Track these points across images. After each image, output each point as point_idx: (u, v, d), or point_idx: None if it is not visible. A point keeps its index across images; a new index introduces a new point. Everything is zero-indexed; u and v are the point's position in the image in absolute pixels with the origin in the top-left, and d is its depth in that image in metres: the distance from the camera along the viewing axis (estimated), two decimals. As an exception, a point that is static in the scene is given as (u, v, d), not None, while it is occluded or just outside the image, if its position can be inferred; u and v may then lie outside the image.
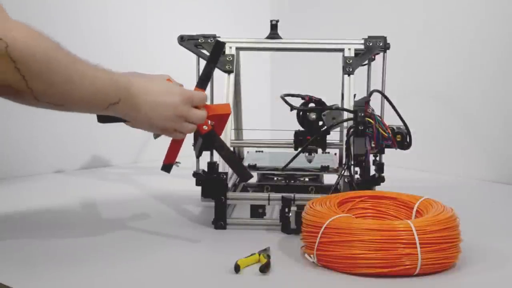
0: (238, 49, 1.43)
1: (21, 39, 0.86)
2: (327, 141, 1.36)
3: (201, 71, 1.43)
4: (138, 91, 1.02)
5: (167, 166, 1.19)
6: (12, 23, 0.87)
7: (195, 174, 1.45)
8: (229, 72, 1.38)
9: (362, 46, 1.40)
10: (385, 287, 0.97)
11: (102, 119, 1.09)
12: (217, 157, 1.37)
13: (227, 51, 1.40)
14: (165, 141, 2.20)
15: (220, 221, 1.28)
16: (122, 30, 2.05)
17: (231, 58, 1.39)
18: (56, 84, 0.91)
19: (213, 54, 1.19)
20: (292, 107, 1.32)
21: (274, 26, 1.44)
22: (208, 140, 1.19)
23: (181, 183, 1.66)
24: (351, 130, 1.25)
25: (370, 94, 1.33)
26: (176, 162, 1.20)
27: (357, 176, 1.30)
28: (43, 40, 0.90)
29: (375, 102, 1.32)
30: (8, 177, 1.78)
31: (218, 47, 1.19)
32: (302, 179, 1.55)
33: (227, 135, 1.33)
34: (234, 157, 1.26)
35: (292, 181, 1.53)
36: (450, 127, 1.98)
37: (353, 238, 0.99)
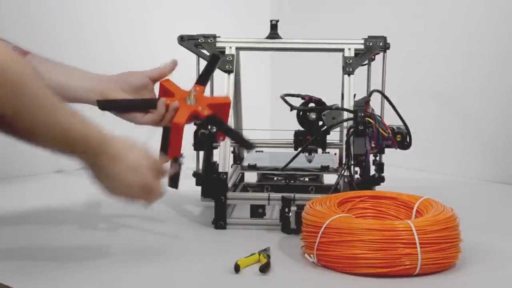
0: (238, 49, 1.43)
1: (11, 63, 0.83)
2: (327, 141, 1.36)
3: (200, 70, 1.43)
4: (108, 157, 1.00)
5: (175, 163, 1.19)
6: None
7: (195, 174, 1.45)
8: (229, 72, 1.38)
9: (362, 46, 1.40)
10: (385, 287, 0.97)
11: (103, 106, 1.14)
12: (217, 157, 1.38)
13: (227, 51, 1.40)
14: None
15: (220, 221, 1.28)
16: (122, 30, 2.05)
17: (231, 58, 1.39)
18: (24, 113, 0.87)
19: (209, 66, 1.22)
20: (292, 107, 1.32)
21: (274, 26, 1.44)
22: (211, 122, 1.21)
23: (181, 183, 1.67)
24: (351, 130, 1.25)
25: (370, 94, 1.33)
26: (181, 156, 1.19)
27: (357, 176, 1.30)
28: (23, 65, 0.86)
29: (375, 102, 1.32)
30: (8, 177, 1.78)
31: (213, 60, 1.21)
32: (302, 179, 1.55)
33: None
34: (236, 132, 1.28)
35: (292, 181, 1.53)
36: (450, 127, 1.98)
37: (353, 238, 1.00)
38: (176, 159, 1.19)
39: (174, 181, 1.21)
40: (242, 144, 1.29)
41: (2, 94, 0.82)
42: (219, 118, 1.19)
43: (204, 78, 1.21)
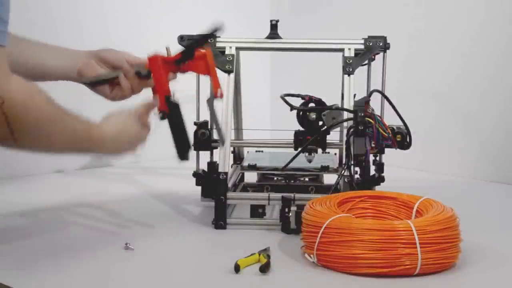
0: (238, 49, 1.43)
1: (18, 98, 0.90)
2: (327, 141, 1.36)
3: None
4: (106, 139, 1.11)
5: (165, 114, 1.19)
6: (11, 81, 0.90)
7: (195, 174, 1.45)
8: (229, 72, 1.38)
9: (362, 46, 1.40)
10: (385, 287, 0.97)
11: (93, 81, 1.20)
12: (217, 157, 1.38)
13: (227, 51, 1.40)
14: (163, 142, 2.21)
15: (220, 221, 1.28)
16: (122, 30, 2.05)
17: (231, 58, 1.39)
18: (40, 139, 0.99)
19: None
20: (292, 107, 1.32)
21: (274, 26, 1.44)
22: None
23: (181, 183, 1.67)
24: (351, 130, 1.25)
25: (370, 94, 1.33)
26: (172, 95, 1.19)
27: (357, 176, 1.30)
28: (38, 99, 0.95)
29: (375, 102, 1.32)
30: (8, 177, 1.78)
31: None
32: (302, 179, 1.55)
33: (227, 134, 1.33)
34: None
35: (292, 181, 1.53)
36: (450, 127, 1.98)
37: (353, 238, 1.00)
38: (168, 98, 1.17)
39: (182, 152, 1.20)
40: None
41: (23, 128, 0.93)
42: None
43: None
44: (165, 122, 2.01)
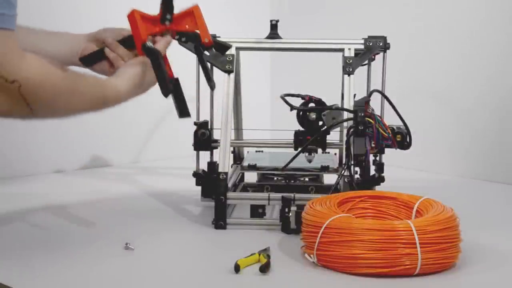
0: (238, 49, 1.43)
1: (33, 79, 0.93)
2: (327, 141, 1.36)
3: (201, 71, 1.43)
4: (121, 95, 1.13)
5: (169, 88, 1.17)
6: (25, 61, 0.92)
7: (195, 174, 1.45)
8: (229, 72, 1.38)
9: (362, 46, 1.40)
10: (385, 287, 0.97)
11: (86, 61, 1.21)
12: (217, 157, 1.38)
13: (227, 51, 1.39)
14: (164, 142, 2.21)
15: (220, 221, 1.28)
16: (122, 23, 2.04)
17: (231, 58, 1.39)
18: (58, 110, 1.03)
19: None
20: (292, 107, 1.32)
21: (274, 26, 1.44)
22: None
23: (181, 183, 1.67)
24: (351, 130, 1.25)
25: (370, 94, 1.33)
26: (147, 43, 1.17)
27: (357, 176, 1.30)
28: (54, 76, 0.97)
29: (375, 102, 1.32)
30: (8, 177, 1.78)
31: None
32: (302, 179, 1.55)
33: (227, 134, 1.33)
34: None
35: (292, 181, 1.53)
36: (450, 127, 1.98)
37: (353, 238, 1.00)
38: (144, 45, 1.15)
39: (182, 109, 1.19)
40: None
41: (40, 104, 0.96)
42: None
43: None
44: (165, 123, 2.01)
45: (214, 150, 1.46)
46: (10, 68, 0.90)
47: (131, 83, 1.14)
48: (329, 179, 1.52)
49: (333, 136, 1.40)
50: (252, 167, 1.55)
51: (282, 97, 1.33)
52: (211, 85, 1.28)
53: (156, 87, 1.19)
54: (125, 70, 1.16)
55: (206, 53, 1.40)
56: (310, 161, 1.43)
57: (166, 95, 1.16)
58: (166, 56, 1.19)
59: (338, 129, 1.39)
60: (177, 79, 1.18)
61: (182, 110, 1.18)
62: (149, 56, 1.15)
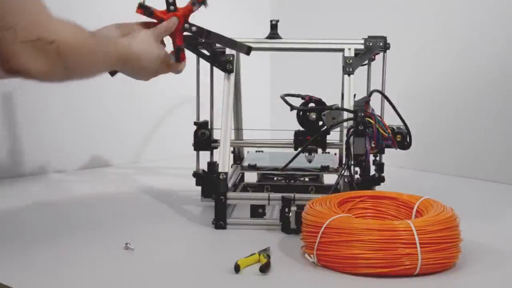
0: (238, 49, 1.43)
1: (67, 38, 0.95)
2: (327, 141, 1.36)
3: (201, 71, 1.43)
4: (134, 56, 1.15)
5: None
6: (56, 22, 0.95)
7: (195, 174, 1.45)
8: (229, 72, 1.38)
9: (362, 46, 1.40)
10: (385, 287, 0.97)
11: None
12: (217, 157, 1.38)
13: (227, 51, 1.39)
14: (164, 142, 2.20)
15: (220, 221, 1.28)
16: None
17: (231, 58, 1.39)
18: (85, 70, 1.05)
19: None
20: (292, 107, 1.32)
21: (274, 26, 1.44)
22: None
23: (181, 183, 1.67)
24: (351, 130, 1.24)
25: (370, 94, 1.33)
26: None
27: (357, 176, 1.30)
28: (81, 33, 1.00)
29: (375, 102, 1.32)
30: (8, 177, 1.78)
31: None
32: (302, 179, 1.55)
33: (227, 134, 1.33)
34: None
35: (292, 181, 1.53)
36: (450, 127, 1.98)
37: (353, 238, 1.00)
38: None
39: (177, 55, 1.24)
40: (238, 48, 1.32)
41: (75, 64, 0.98)
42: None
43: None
44: (165, 123, 2.01)
45: (214, 150, 1.46)
46: (47, 29, 0.92)
47: (144, 50, 1.16)
48: (329, 179, 1.52)
49: (333, 136, 1.40)
50: (252, 167, 1.55)
51: (282, 97, 1.33)
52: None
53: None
54: (142, 37, 1.18)
55: (206, 52, 1.40)
56: (310, 161, 1.43)
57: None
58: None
59: (338, 129, 1.39)
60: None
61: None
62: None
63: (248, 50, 1.30)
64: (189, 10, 1.24)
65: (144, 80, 1.22)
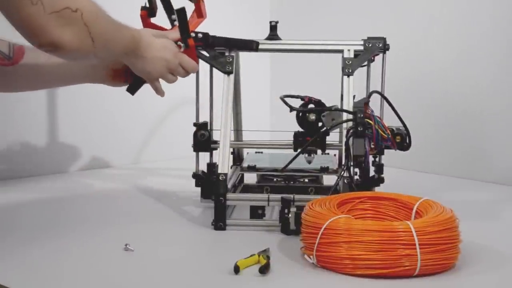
0: (238, 50, 1.43)
1: (89, 6, 1.00)
2: (327, 142, 1.36)
3: (200, 72, 1.43)
4: (145, 44, 1.21)
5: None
6: None
7: (194, 175, 1.45)
8: (228, 73, 1.38)
9: (361, 47, 1.40)
10: (385, 288, 0.97)
11: (131, 89, 1.32)
12: (216, 158, 1.38)
13: (227, 53, 1.39)
14: (163, 144, 2.21)
15: (219, 222, 1.28)
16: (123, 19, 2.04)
17: (231, 59, 1.39)
18: (109, 46, 1.09)
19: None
20: (292, 108, 1.32)
21: (273, 27, 1.44)
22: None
23: (180, 184, 1.67)
24: (351, 131, 1.25)
25: (369, 95, 1.33)
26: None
27: (356, 177, 1.30)
28: (103, 10, 1.05)
29: (375, 103, 1.32)
30: (8, 178, 1.78)
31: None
32: (301, 180, 1.55)
33: (227, 135, 1.33)
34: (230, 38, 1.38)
35: (292, 182, 1.53)
36: (449, 128, 1.98)
37: (352, 239, 1.00)
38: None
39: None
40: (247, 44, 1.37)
41: (100, 33, 1.02)
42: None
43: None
44: (164, 124, 2.01)
45: (214, 151, 1.46)
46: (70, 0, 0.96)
47: (160, 45, 1.22)
48: (329, 180, 1.52)
49: (333, 137, 1.40)
50: (252, 168, 1.55)
51: (282, 98, 1.34)
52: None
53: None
54: (159, 38, 1.24)
55: (206, 53, 1.40)
56: (309, 162, 1.43)
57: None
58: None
59: (338, 130, 1.39)
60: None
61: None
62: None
63: (256, 45, 1.36)
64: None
65: (154, 76, 1.25)
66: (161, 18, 1.34)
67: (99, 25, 1.02)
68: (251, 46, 1.36)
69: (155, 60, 1.22)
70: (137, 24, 1.27)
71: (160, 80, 1.27)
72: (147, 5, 1.31)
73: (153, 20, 1.33)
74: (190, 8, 1.34)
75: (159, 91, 1.29)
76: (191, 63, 1.29)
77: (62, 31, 0.95)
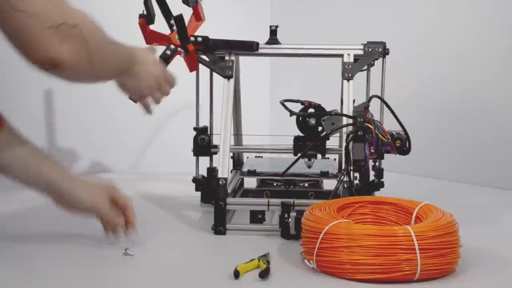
0: (237, 54, 1.43)
1: (88, 22, 0.97)
2: (327, 147, 1.36)
3: (200, 77, 1.43)
4: (140, 60, 1.20)
5: None
6: (75, 9, 0.96)
7: (194, 180, 1.45)
8: (228, 77, 1.38)
9: (361, 52, 1.40)
10: (385, 292, 0.97)
11: None
12: (216, 163, 1.38)
13: (227, 57, 1.40)
14: (163, 148, 2.20)
15: (219, 227, 1.28)
16: (121, 30, 2.04)
17: (231, 64, 1.39)
18: (108, 59, 1.05)
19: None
20: (292, 113, 1.32)
21: (273, 32, 1.44)
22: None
23: (180, 189, 1.67)
24: (351, 135, 1.25)
25: (369, 99, 1.33)
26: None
27: (356, 181, 1.30)
28: (99, 26, 1.01)
29: (375, 108, 1.32)
30: (8, 182, 1.78)
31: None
32: (301, 184, 1.55)
33: (227, 140, 1.33)
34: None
35: (292, 187, 1.53)
36: (449, 132, 1.98)
37: (352, 243, 0.99)
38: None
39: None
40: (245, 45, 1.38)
41: (97, 49, 0.98)
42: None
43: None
44: (164, 129, 2.01)
45: (214, 156, 1.46)
46: (69, 14, 0.93)
47: (153, 61, 1.22)
48: (329, 184, 1.52)
49: (333, 141, 1.40)
50: (252, 173, 1.55)
51: (282, 103, 1.34)
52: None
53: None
54: (150, 54, 1.24)
55: (206, 58, 1.40)
56: (309, 167, 1.43)
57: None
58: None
59: (338, 134, 1.39)
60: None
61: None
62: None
63: (256, 46, 1.37)
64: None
65: (145, 94, 1.24)
66: (159, 22, 1.34)
67: (98, 41, 0.98)
68: (250, 46, 1.36)
69: (148, 76, 1.21)
70: (137, 32, 1.27)
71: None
72: (145, 12, 1.31)
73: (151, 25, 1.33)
74: (188, 11, 1.34)
75: (148, 109, 1.30)
76: (173, 77, 1.28)
77: (58, 46, 0.90)
